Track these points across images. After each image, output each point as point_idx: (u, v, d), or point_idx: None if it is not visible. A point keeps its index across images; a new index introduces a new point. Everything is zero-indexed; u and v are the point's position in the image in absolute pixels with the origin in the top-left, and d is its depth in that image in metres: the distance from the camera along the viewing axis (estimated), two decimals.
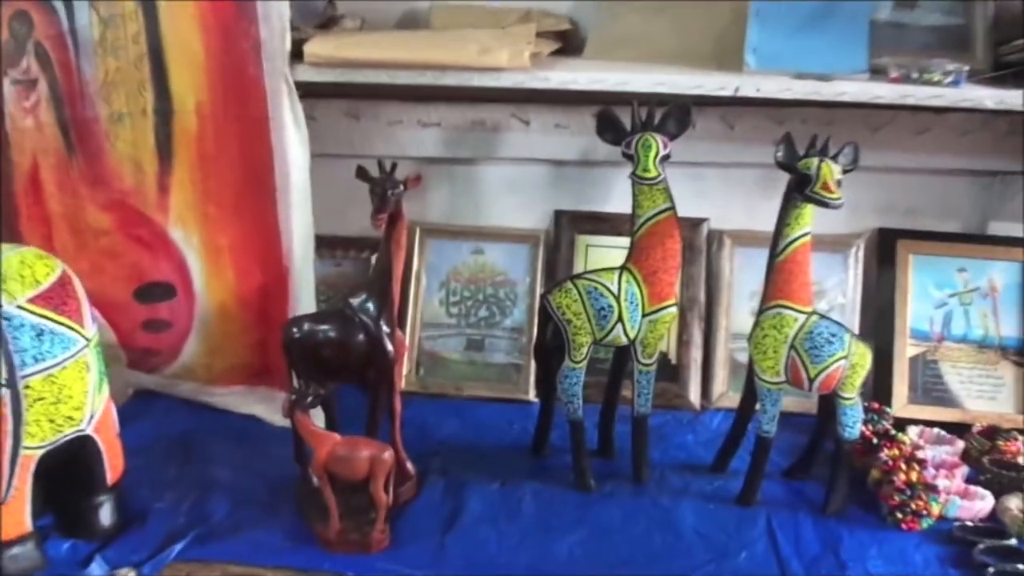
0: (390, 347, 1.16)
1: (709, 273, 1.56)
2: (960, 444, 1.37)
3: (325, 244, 1.59)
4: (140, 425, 1.43)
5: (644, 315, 1.22)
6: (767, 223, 1.53)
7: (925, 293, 1.50)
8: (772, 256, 1.20)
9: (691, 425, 1.49)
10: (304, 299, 1.34)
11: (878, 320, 1.51)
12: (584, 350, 1.23)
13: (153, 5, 1.21)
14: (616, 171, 1.53)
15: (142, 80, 1.25)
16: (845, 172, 1.16)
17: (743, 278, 1.55)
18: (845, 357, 1.17)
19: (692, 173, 1.53)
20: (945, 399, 1.47)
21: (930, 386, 1.48)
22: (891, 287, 1.51)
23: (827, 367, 1.16)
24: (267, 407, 1.42)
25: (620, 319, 1.21)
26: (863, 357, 1.18)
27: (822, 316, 1.20)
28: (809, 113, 1.45)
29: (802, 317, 1.18)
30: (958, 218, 1.54)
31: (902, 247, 1.52)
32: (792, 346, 1.18)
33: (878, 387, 1.47)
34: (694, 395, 1.53)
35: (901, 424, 1.41)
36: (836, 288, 1.54)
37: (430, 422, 1.46)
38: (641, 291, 1.22)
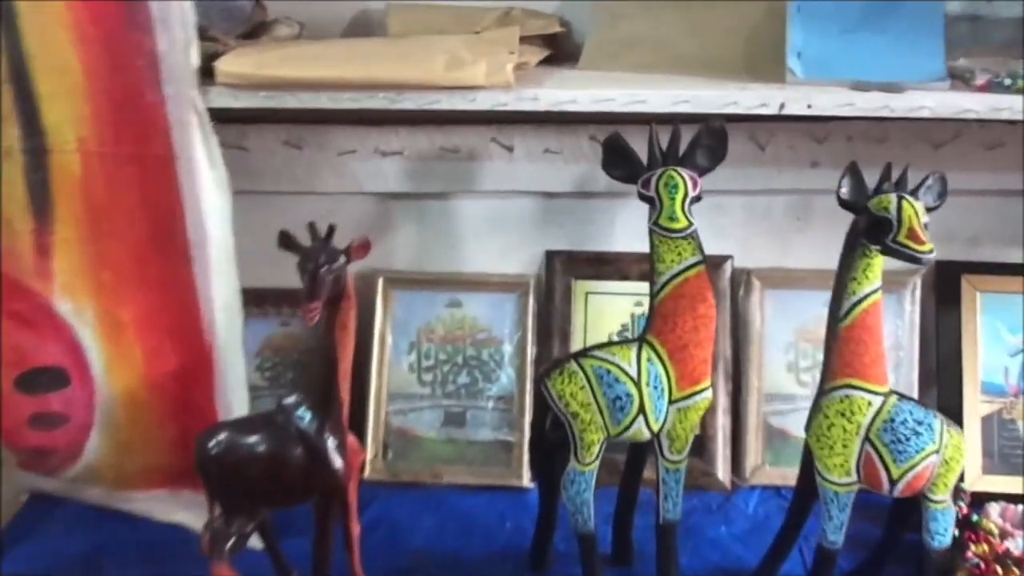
0: (338, 462, 0.87)
1: (736, 322, 1.30)
2: None
3: (269, 299, 1.33)
4: (32, 544, 1.16)
5: (671, 402, 0.95)
6: (802, 259, 1.30)
7: (997, 338, 1.25)
8: (834, 320, 0.93)
9: (723, 511, 1.23)
10: (233, 381, 1.07)
11: (941, 373, 1.26)
12: (595, 449, 0.95)
13: (10, 6, 0.92)
14: (619, 203, 1.28)
15: (4, 111, 0.96)
16: (930, 211, 0.90)
17: (776, 327, 1.30)
18: (936, 451, 0.90)
19: (712, 203, 1.24)
20: None
21: (1008, 451, 1.23)
22: (955, 333, 1.26)
23: (915, 466, 0.90)
24: (194, 514, 1.13)
25: (641, 410, 0.93)
26: (957, 449, 0.92)
27: (901, 396, 0.93)
28: (856, 128, 1.19)
29: (877, 400, 0.91)
30: None
31: (967, 283, 1.27)
32: (867, 438, 0.91)
33: None
34: (723, 472, 1.26)
35: (977, 499, 1.15)
36: (888, 336, 1.27)
37: (401, 522, 1.19)
38: (667, 372, 0.94)
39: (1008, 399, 1.24)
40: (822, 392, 0.94)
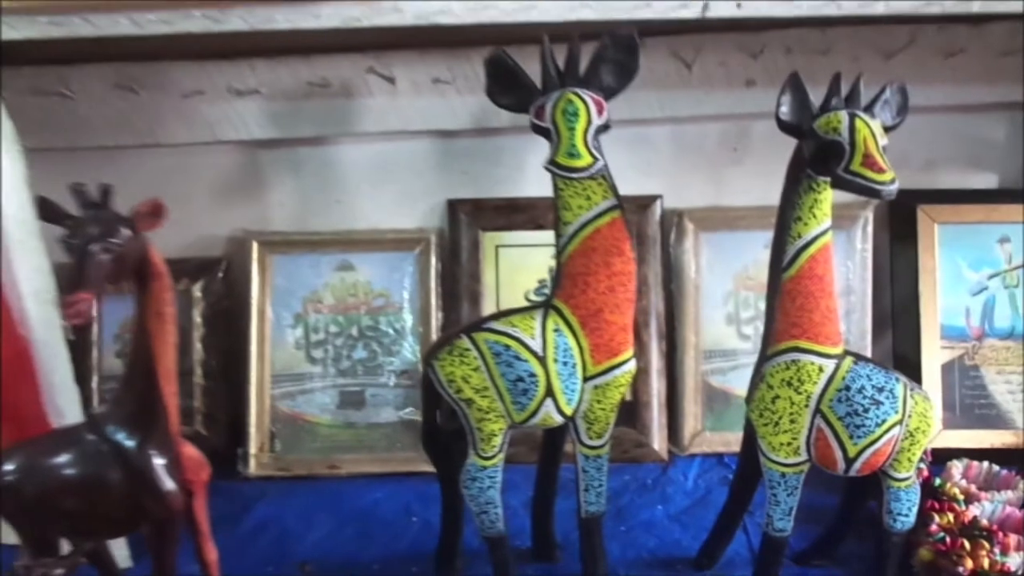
0: (168, 484, 0.69)
1: (668, 272, 1.14)
2: (1022, 484, 0.99)
3: None
4: None
5: (586, 379, 0.78)
6: (741, 196, 1.15)
7: (957, 276, 1.13)
8: (776, 271, 0.77)
9: (659, 486, 1.09)
10: (59, 380, 0.89)
11: (897, 317, 1.14)
12: (497, 440, 0.79)
13: None
14: (530, 140, 1.05)
15: None
16: (888, 131, 0.74)
17: (714, 275, 1.16)
18: (900, 422, 0.75)
19: (634, 135, 1.10)
20: (992, 418, 1.11)
21: (971, 401, 1.12)
22: (911, 271, 1.13)
23: (875, 441, 0.75)
24: None
25: (549, 391, 0.77)
26: (924, 418, 0.77)
27: (858, 358, 0.78)
28: (795, 37, 1.03)
29: (830, 364, 0.76)
30: (996, 169, 1.16)
31: (924, 215, 1.13)
32: (818, 410, 0.76)
33: None
34: (659, 441, 1.13)
35: (938, 457, 1.02)
36: (838, 279, 1.12)
37: (291, 526, 1.03)
38: (579, 343, 0.77)
39: (970, 343, 1.12)
40: (764, 358, 0.79)
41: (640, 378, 1.12)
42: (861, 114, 0.71)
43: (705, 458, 1.12)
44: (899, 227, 1.13)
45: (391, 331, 1.14)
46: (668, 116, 1.08)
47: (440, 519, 0.93)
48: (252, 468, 1.10)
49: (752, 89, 1.05)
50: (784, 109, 0.72)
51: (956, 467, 1.03)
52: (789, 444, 0.77)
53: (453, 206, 1.14)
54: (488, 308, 1.14)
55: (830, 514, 0.93)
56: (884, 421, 0.75)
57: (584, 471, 0.83)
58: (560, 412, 0.79)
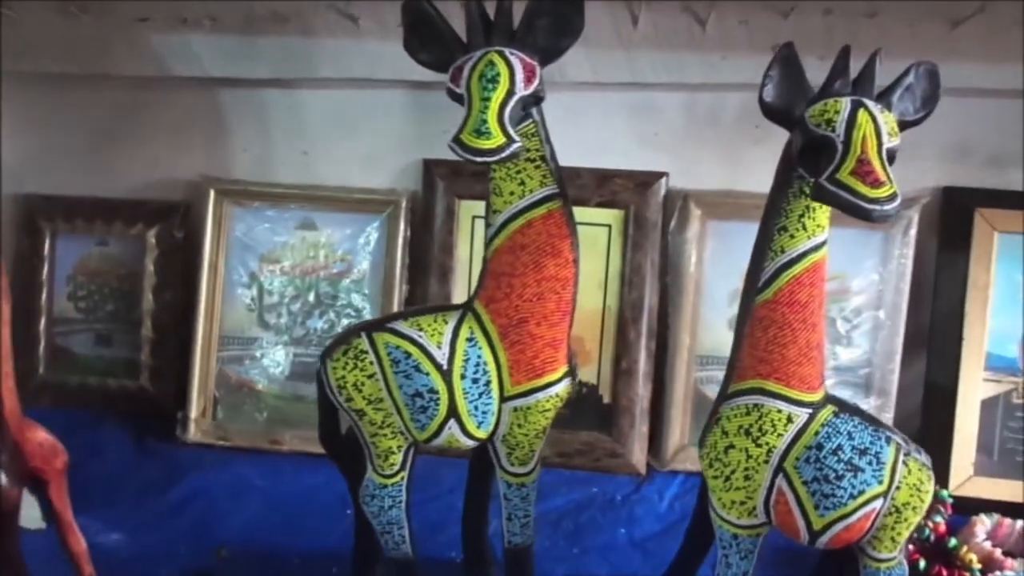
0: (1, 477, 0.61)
1: (665, 262, 0.99)
2: None
3: (80, 211, 1.10)
4: None
5: (505, 399, 0.65)
6: (760, 181, 0.96)
7: (1015, 296, 0.96)
8: (750, 292, 0.62)
9: (628, 505, 0.97)
10: None
11: (934, 339, 0.96)
12: (396, 458, 0.68)
13: None
14: None
15: None
16: (906, 126, 0.56)
17: (718, 269, 1.00)
18: (884, 494, 0.60)
19: (637, 101, 0.95)
20: None
21: (1013, 446, 0.96)
22: (959, 285, 0.96)
23: (847, 515, 0.60)
24: None
25: (453, 411, 0.64)
26: (917, 491, 0.62)
27: (841, 407, 0.62)
28: None
29: (801, 414, 0.61)
30: None
31: (982, 220, 0.96)
32: (781, 468, 0.61)
33: (930, 448, 0.91)
34: (637, 452, 1.00)
35: (963, 507, 0.88)
36: (868, 289, 0.96)
37: (219, 502, 0.96)
38: (497, 357, 0.64)
39: (1021, 378, 0.94)
40: (723, 396, 0.64)
41: (622, 380, 0.99)
42: (869, 104, 0.54)
43: (688, 477, 0.99)
44: (950, 232, 0.96)
45: (351, 298, 1.03)
46: (677, 82, 0.92)
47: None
48: (191, 433, 1.03)
49: None
50: (770, 89, 0.56)
51: (983, 523, 0.87)
52: (742, 504, 0.63)
53: (429, 167, 1.02)
54: (459, 284, 1.02)
55: (810, 560, 0.79)
56: (862, 492, 0.60)
57: (506, 499, 0.72)
58: (468, 435, 0.66)
